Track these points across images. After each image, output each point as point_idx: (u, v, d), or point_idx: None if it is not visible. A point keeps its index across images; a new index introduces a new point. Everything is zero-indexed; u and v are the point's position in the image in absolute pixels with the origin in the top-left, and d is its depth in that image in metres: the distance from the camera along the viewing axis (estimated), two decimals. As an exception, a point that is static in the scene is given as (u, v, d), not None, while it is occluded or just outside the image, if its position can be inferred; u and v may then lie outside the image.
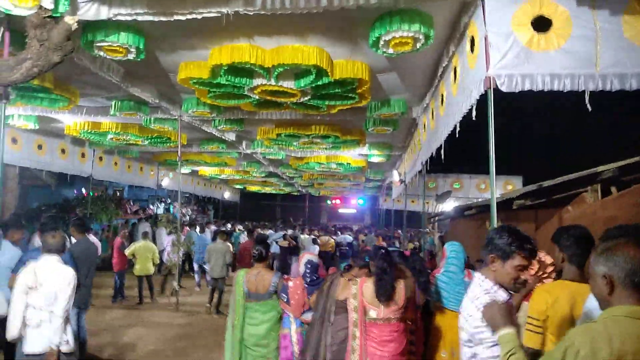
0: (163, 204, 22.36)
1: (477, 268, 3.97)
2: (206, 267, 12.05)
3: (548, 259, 3.63)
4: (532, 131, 20.21)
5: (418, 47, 4.72)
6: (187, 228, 13.94)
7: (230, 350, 4.54)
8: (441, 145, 5.80)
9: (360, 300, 3.70)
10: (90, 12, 4.23)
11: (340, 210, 36.82)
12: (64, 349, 3.86)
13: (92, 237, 8.09)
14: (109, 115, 8.32)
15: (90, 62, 5.64)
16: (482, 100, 3.89)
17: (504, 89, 3.69)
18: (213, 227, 17.15)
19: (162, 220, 13.43)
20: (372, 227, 26.07)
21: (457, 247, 4.56)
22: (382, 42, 4.64)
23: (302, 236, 15.08)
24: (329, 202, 35.03)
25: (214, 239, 13.84)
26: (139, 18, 4.30)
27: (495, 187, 3.93)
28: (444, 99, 5.64)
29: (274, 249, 13.27)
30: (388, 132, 8.82)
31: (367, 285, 3.73)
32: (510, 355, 1.93)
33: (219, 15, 4.18)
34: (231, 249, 10.39)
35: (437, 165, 6.81)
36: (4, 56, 4.61)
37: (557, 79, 3.69)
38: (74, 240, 5.73)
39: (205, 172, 18.18)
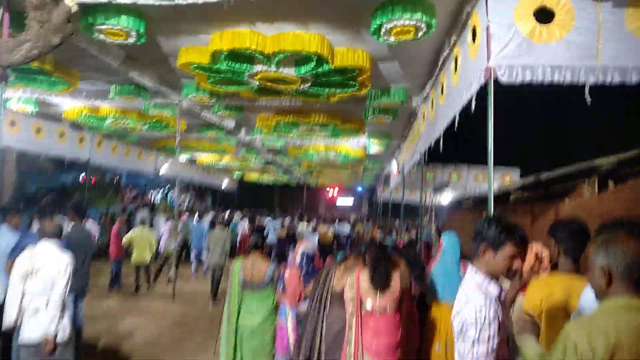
0: (161, 191, 22.35)
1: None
2: (203, 255, 12.12)
3: (544, 252, 3.65)
4: (530, 122, 20.14)
5: (420, 36, 4.70)
6: (184, 216, 13.92)
7: (225, 339, 4.50)
8: (440, 136, 5.80)
9: (356, 291, 3.70)
10: (90, -6, 4.20)
11: (338, 201, 36.86)
12: (60, 337, 3.83)
13: (90, 223, 8.10)
14: (108, 99, 8.29)
15: (90, 45, 5.61)
16: (482, 91, 3.88)
17: (504, 79, 3.67)
18: (211, 214, 17.20)
19: (160, 207, 13.44)
20: (369, 218, 26.12)
21: (453, 237, 4.57)
22: (383, 30, 4.62)
23: (300, 226, 15.13)
24: (327, 191, 35.06)
25: (211, 227, 13.89)
26: (140, 1, 4.27)
27: (493, 179, 3.93)
28: (444, 88, 5.63)
29: (272, 234, 13.35)
30: (387, 121, 8.80)
31: (363, 276, 3.74)
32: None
33: (220, 0, 4.16)
34: (230, 237, 10.42)
35: (436, 155, 6.80)
36: (4, 37, 4.58)
37: (558, 70, 3.67)
38: (70, 225, 5.71)
39: (203, 160, 18.16)
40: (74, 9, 4.16)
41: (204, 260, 12.17)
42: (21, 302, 3.75)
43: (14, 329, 3.79)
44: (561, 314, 2.64)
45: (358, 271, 3.80)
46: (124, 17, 4.79)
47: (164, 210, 12.57)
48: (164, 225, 12.29)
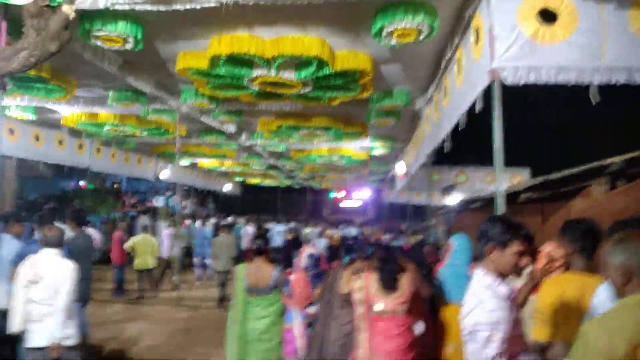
0: (162, 197, 22.31)
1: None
2: (207, 261, 12.08)
3: (557, 252, 3.59)
4: (538, 122, 20.06)
5: (421, 38, 4.66)
6: (187, 221, 13.90)
7: (232, 345, 4.49)
8: (445, 138, 5.75)
9: (365, 293, 3.68)
10: (87, 1, 4.15)
11: (343, 204, 36.74)
12: (67, 343, 3.86)
13: (90, 230, 8.05)
14: (106, 105, 8.25)
15: (87, 52, 5.56)
16: (488, 92, 3.83)
17: (508, 81, 3.66)
18: (213, 220, 17.16)
19: (162, 213, 13.41)
20: (375, 221, 26.06)
21: (465, 240, 4.51)
22: (385, 33, 4.58)
23: (306, 230, 15.07)
24: (331, 195, 34.96)
25: (214, 232, 13.86)
26: (137, 7, 4.23)
27: (502, 179, 3.89)
28: (448, 90, 5.58)
29: (277, 238, 13.32)
30: (390, 124, 8.75)
31: (372, 279, 3.71)
32: None
33: (218, 4, 4.11)
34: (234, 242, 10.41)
35: (442, 157, 6.76)
36: (1, 45, 4.55)
37: (562, 71, 3.66)
38: (71, 233, 5.67)
39: (204, 164, 18.13)
40: (72, 16, 4.11)
41: (208, 266, 12.16)
42: (25, 310, 3.78)
43: (20, 334, 3.83)
44: (574, 313, 2.62)
45: (367, 274, 3.77)
46: (121, 23, 4.75)
47: (165, 216, 12.50)
48: (164, 231, 12.24)
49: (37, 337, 3.77)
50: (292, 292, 4.40)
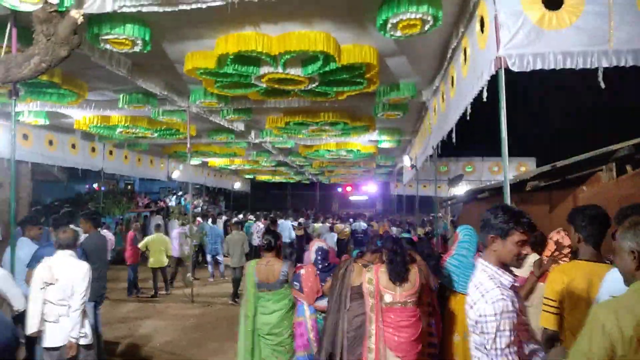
0: (174, 196, 22.49)
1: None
2: (219, 258, 12.20)
3: (566, 240, 3.60)
4: (544, 111, 19.95)
5: (426, 29, 4.65)
6: (200, 219, 14.03)
7: (243, 339, 4.57)
8: (452, 128, 5.74)
9: (376, 285, 3.72)
10: (95, 5, 4.21)
11: (352, 198, 36.77)
12: (83, 342, 3.95)
13: (105, 232, 8.18)
14: (117, 108, 8.36)
15: (97, 55, 5.64)
16: (494, 81, 3.83)
17: (515, 68, 3.63)
18: (224, 218, 17.28)
19: (174, 212, 13.52)
20: (384, 214, 26.05)
21: (471, 231, 4.53)
22: (389, 25, 4.58)
23: (315, 225, 15.12)
24: (339, 189, 35.00)
25: (225, 230, 13.95)
26: (144, 9, 4.28)
27: (508, 169, 3.89)
28: (454, 81, 5.57)
29: (288, 233, 13.43)
30: (398, 116, 8.74)
31: (382, 271, 3.75)
32: None
33: (224, 4, 4.15)
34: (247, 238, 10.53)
35: (449, 148, 6.75)
36: (12, 52, 4.63)
37: (570, 56, 3.62)
38: (85, 234, 5.77)
39: (215, 163, 18.23)
40: (80, 20, 4.18)
41: (220, 263, 12.27)
42: (42, 311, 3.85)
43: (37, 335, 3.90)
44: (582, 300, 2.63)
45: (377, 266, 3.81)
46: (129, 26, 4.81)
47: (177, 215, 12.60)
48: (174, 230, 12.32)
49: (54, 337, 3.85)
50: (302, 287, 4.45)
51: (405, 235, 6.67)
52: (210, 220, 14.00)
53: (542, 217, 5.49)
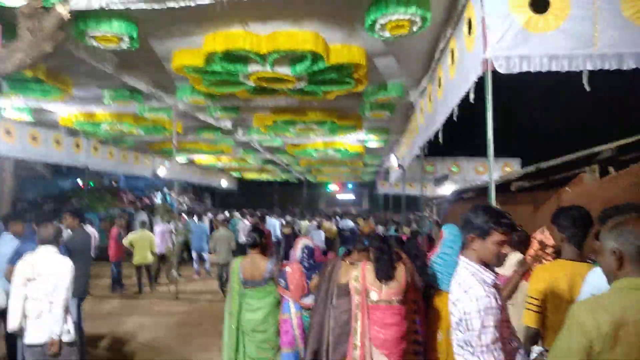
0: (160, 194, 22.31)
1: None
2: (204, 255, 12.16)
3: (549, 240, 3.65)
4: (529, 113, 20.19)
5: (415, 30, 4.68)
6: (185, 216, 13.95)
7: (228, 337, 4.57)
8: (439, 129, 5.79)
9: (362, 283, 3.74)
10: (82, 1, 4.17)
11: (339, 196, 36.86)
12: (65, 338, 3.90)
13: (88, 228, 8.09)
14: (102, 104, 8.27)
15: (83, 51, 5.58)
16: (480, 83, 3.87)
17: (502, 70, 3.67)
18: (210, 215, 17.20)
19: (159, 209, 13.43)
20: (370, 212, 26.15)
21: (456, 230, 4.57)
22: (378, 26, 4.60)
23: (302, 223, 15.13)
24: (326, 188, 35.06)
25: (210, 227, 13.89)
26: (132, 6, 4.24)
27: (494, 170, 3.93)
28: (442, 82, 5.61)
29: (276, 231, 13.46)
30: (385, 116, 8.79)
31: (369, 268, 3.78)
32: None
33: (213, 1, 4.13)
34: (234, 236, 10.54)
35: (435, 148, 6.80)
36: (-4, 47, 4.55)
37: (555, 59, 3.67)
38: (69, 230, 5.71)
39: (201, 161, 18.13)
40: (66, 16, 4.13)
41: (206, 260, 12.23)
42: (24, 307, 3.80)
43: (19, 332, 3.85)
44: (565, 299, 2.67)
45: (364, 264, 3.83)
46: (115, 23, 4.77)
47: (163, 212, 12.51)
48: (157, 227, 12.23)
49: (36, 334, 3.80)
50: (287, 284, 4.46)
51: (393, 233, 6.71)
52: (196, 217, 13.94)
53: (526, 217, 5.56)
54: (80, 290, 5.28)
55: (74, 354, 4.05)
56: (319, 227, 13.71)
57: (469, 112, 4.62)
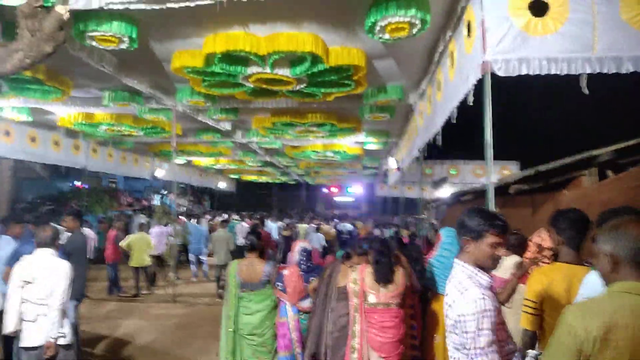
0: (158, 195, 22.29)
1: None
2: (202, 258, 12.13)
3: (546, 242, 3.65)
4: (528, 116, 20.24)
5: (414, 32, 4.69)
6: (183, 219, 13.92)
7: (225, 340, 4.56)
8: (438, 131, 5.79)
9: (360, 285, 3.74)
10: (81, 1, 4.17)
11: (337, 198, 36.86)
12: (62, 342, 3.86)
13: (86, 230, 8.08)
14: (102, 106, 8.26)
15: (82, 52, 5.57)
16: (479, 86, 3.88)
17: (501, 73, 3.69)
18: (208, 217, 17.17)
19: (158, 211, 13.40)
20: (369, 215, 26.14)
21: (453, 233, 4.57)
22: (378, 28, 4.61)
23: (301, 225, 15.11)
24: (325, 190, 35.06)
25: (208, 229, 13.87)
26: (131, 7, 4.24)
27: (492, 173, 3.94)
28: (441, 84, 5.62)
29: (274, 233, 13.45)
30: (384, 119, 8.80)
31: (367, 271, 3.77)
32: None
33: (213, 3, 4.13)
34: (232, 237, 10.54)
35: (434, 151, 6.81)
36: (-5, 47, 4.54)
37: (554, 62, 3.69)
38: (67, 233, 5.69)
39: (200, 163, 18.12)
40: (66, 16, 4.13)
41: (204, 262, 12.20)
42: (20, 310, 3.77)
43: (15, 334, 3.82)
44: (562, 302, 2.65)
45: (362, 267, 3.83)
46: (115, 23, 4.77)
47: (161, 214, 12.47)
48: (153, 229, 12.20)
49: (32, 337, 3.77)
50: (285, 287, 4.45)
51: (389, 233, 6.69)
52: (193, 219, 13.91)
53: (524, 220, 5.56)
54: (78, 292, 5.27)
55: (70, 357, 4.02)
56: (318, 229, 13.70)
57: (468, 114, 4.62)
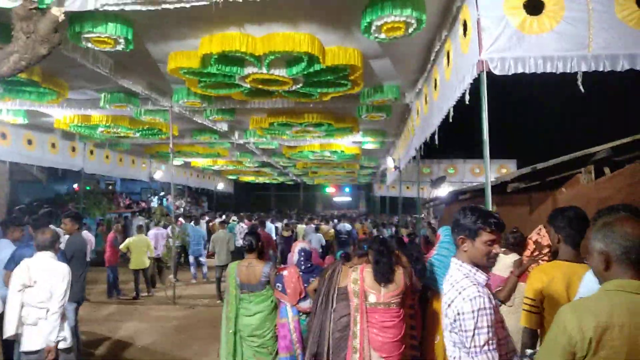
0: (156, 197, 22.25)
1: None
2: (202, 259, 12.12)
3: (544, 240, 3.66)
4: (525, 114, 20.31)
5: (410, 32, 4.69)
6: (182, 220, 13.90)
7: (225, 341, 4.56)
8: (435, 131, 5.80)
9: (360, 285, 3.73)
10: (77, 3, 4.15)
11: (335, 199, 36.88)
12: (62, 345, 3.86)
13: (85, 232, 8.05)
14: (98, 107, 8.25)
15: (78, 54, 5.56)
16: (476, 84, 3.88)
17: (496, 72, 3.69)
18: (206, 219, 17.15)
19: (156, 213, 13.37)
20: (367, 215, 26.16)
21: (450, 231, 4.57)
22: (374, 28, 4.61)
23: (299, 226, 15.11)
24: (323, 190, 35.07)
25: (207, 230, 13.86)
26: (127, 8, 4.22)
27: (490, 171, 3.94)
28: (437, 83, 5.62)
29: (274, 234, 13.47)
30: (381, 118, 8.80)
31: (368, 271, 3.77)
32: None
33: (208, 3, 4.12)
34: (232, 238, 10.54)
35: (432, 150, 6.82)
36: (-10, 50, 4.53)
37: (550, 61, 3.70)
38: (66, 235, 5.68)
39: (198, 164, 18.10)
40: (61, 18, 4.12)
41: (203, 264, 12.19)
42: (20, 313, 3.76)
43: (15, 338, 3.81)
44: (562, 300, 2.65)
45: (362, 266, 3.83)
46: (111, 25, 4.75)
47: (159, 216, 12.45)
48: (151, 231, 12.17)
49: (32, 341, 3.76)
50: (284, 288, 4.45)
51: (387, 232, 6.69)
52: (192, 221, 13.90)
53: (522, 218, 5.57)
54: (77, 295, 5.26)
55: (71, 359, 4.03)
56: (317, 230, 13.70)
57: (465, 113, 4.62)
